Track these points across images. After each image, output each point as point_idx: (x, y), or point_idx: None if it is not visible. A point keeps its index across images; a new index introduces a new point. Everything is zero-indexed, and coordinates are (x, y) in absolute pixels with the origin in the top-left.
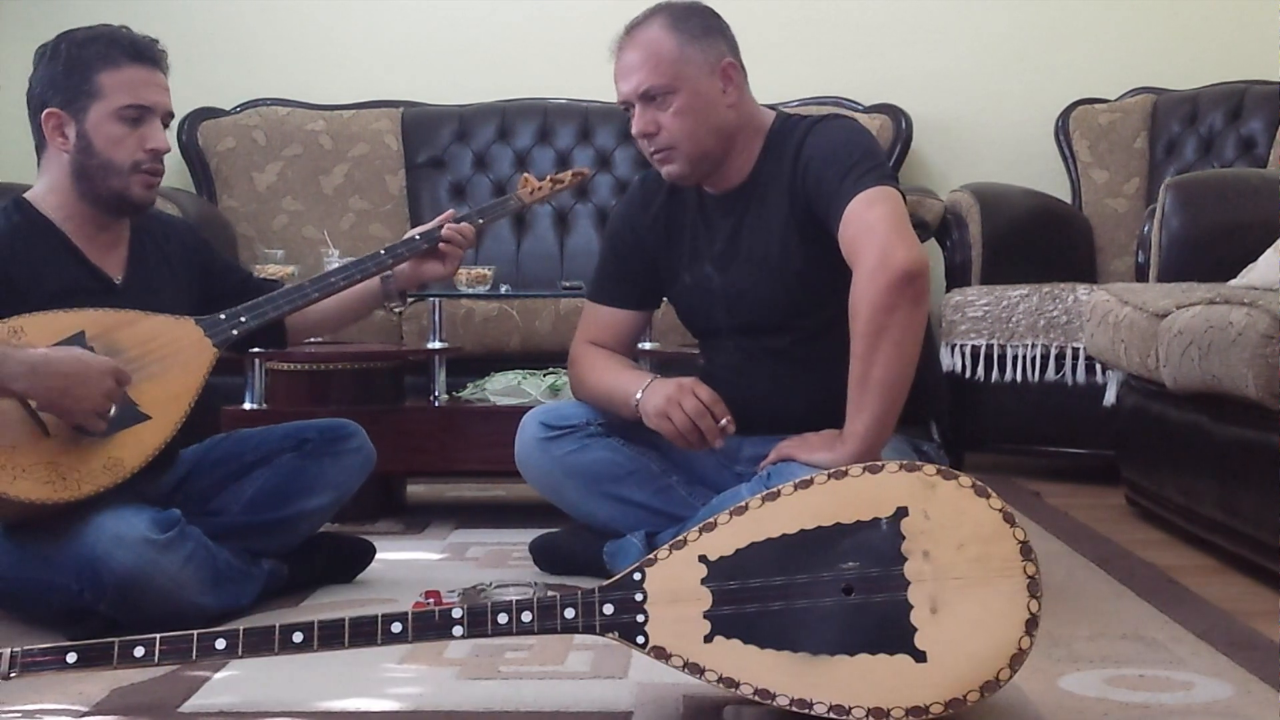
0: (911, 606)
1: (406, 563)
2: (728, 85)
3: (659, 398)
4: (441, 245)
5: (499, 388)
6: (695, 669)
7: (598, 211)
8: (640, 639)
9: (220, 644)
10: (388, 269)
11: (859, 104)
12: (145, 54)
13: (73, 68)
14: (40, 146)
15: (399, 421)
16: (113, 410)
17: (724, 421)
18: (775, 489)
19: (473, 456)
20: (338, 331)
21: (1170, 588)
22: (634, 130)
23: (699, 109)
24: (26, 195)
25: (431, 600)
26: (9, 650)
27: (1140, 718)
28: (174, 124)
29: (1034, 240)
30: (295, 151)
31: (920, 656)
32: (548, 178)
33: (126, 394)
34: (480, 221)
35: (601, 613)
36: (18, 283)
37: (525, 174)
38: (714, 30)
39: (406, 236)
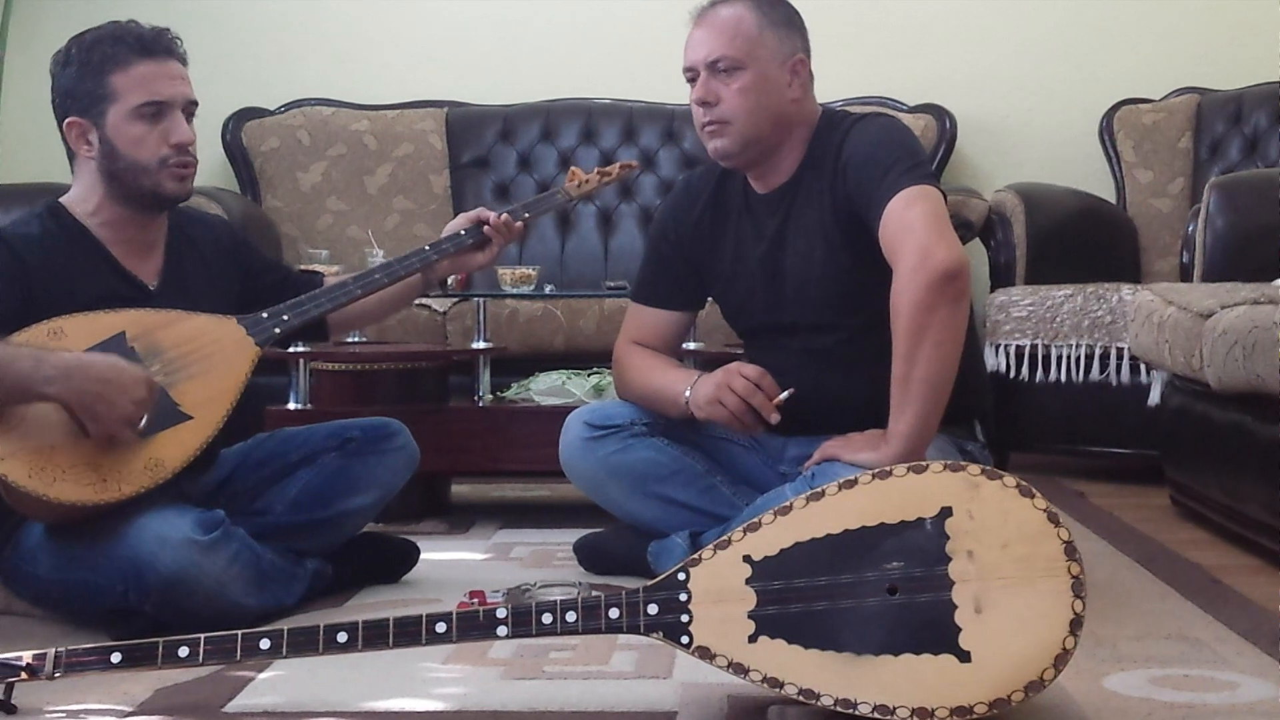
0: (956, 606)
1: (451, 563)
2: (794, 79)
3: (708, 386)
4: (486, 230)
5: (543, 388)
6: (740, 669)
7: (642, 211)
8: (685, 639)
9: (265, 644)
10: (431, 265)
11: (903, 104)
12: (154, 47)
13: (84, 73)
14: (71, 155)
15: (443, 421)
16: (144, 421)
17: (783, 396)
18: (819, 489)
19: (517, 456)
20: (379, 323)
21: (1215, 588)
22: (693, 97)
23: (762, 91)
24: (62, 200)
25: (476, 600)
26: (53, 650)
27: (1185, 718)
28: (218, 124)
29: (1078, 240)
30: (339, 151)
31: (965, 656)
32: (595, 170)
33: (168, 394)
34: (527, 216)
35: (646, 613)
36: (51, 289)
37: (573, 167)
38: (795, 26)
39: (449, 232)
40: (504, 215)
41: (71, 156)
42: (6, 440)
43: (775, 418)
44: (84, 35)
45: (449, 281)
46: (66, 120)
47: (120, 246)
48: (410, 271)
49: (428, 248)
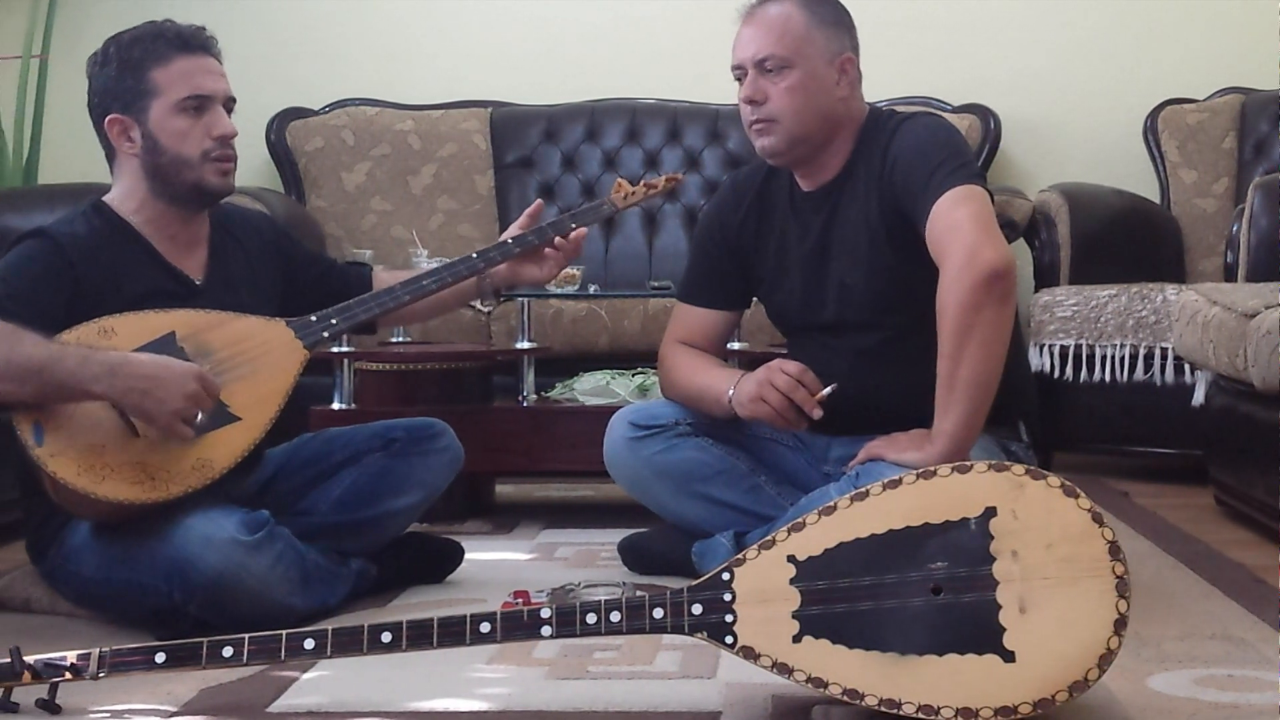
0: (1000, 606)
1: (495, 563)
2: (842, 78)
3: (750, 384)
4: (548, 250)
5: (587, 388)
6: (784, 669)
7: (686, 211)
8: (729, 639)
9: (309, 644)
10: (479, 273)
11: (948, 104)
12: (193, 43)
13: (125, 70)
14: (110, 155)
15: (487, 421)
16: (200, 416)
17: (826, 391)
18: (864, 489)
19: (561, 456)
20: (427, 321)
21: (1259, 588)
22: (741, 95)
23: (810, 90)
24: (105, 199)
25: (520, 600)
26: (98, 650)
27: (1229, 718)
28: (262, 124)
29: (1122, 240)
30: (384, 151)
31: (1009, 656)
32: (641, 182)
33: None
34: (573, 226)
35: (690, 613)
36: (99, 289)
37: (619, 179)
38: (843, 25)
39: (501, 239)
40: (573, 235)
41: (110, 157)
42: (56, 438)
43: (817, 413)
44: (121, 35)
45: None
46: (108, 118)
47: (165, 243)
48: (457, 278)
49: (475, 255)
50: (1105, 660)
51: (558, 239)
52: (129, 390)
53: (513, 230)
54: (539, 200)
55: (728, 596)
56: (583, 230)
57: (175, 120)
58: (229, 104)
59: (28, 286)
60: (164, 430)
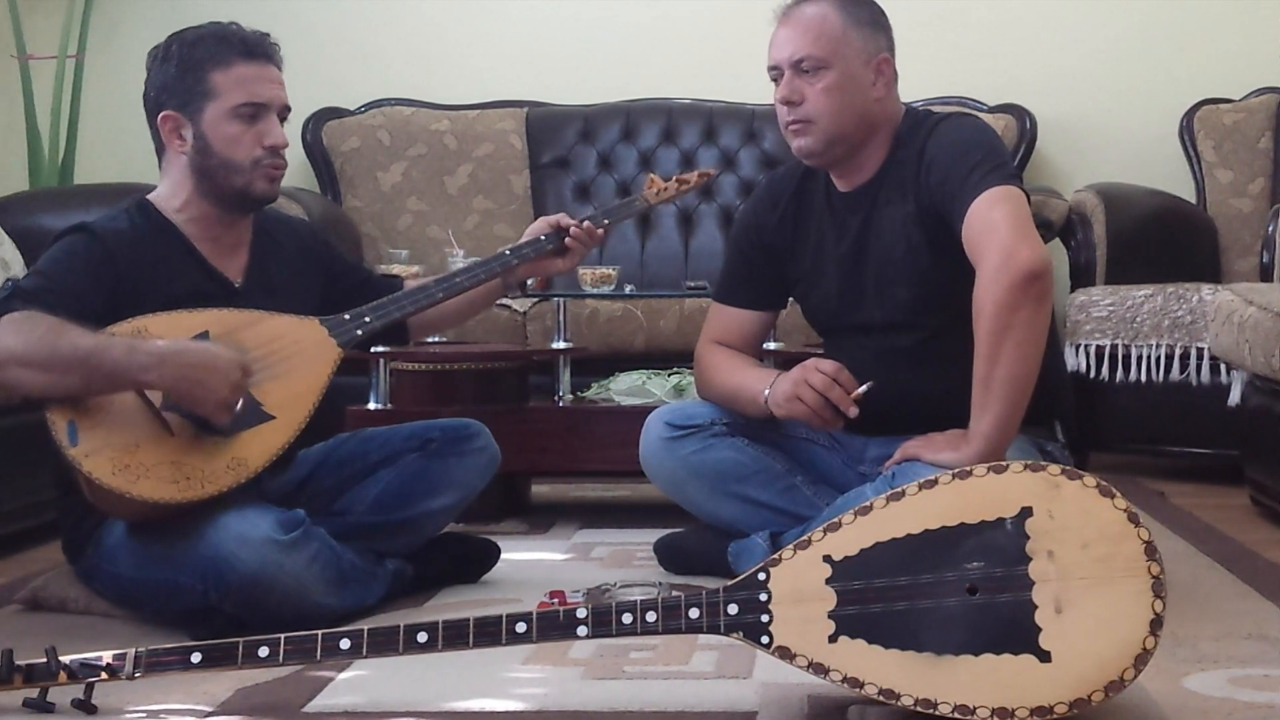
0: (1036, 606)
1: (531, 563)
2: (878, 78)
3: (785, 384)
4: (568, 241)
5: (623, 388)
6: (820, 669)
7: (722, 211)
8: (765, 639)
9: (345, 644)
10: (512, 269)
11: (984, 104)
12: (256, 50)
13: (185, 69)
14: (160, 150)
15: (523, 421)
16: (239, 404)
17: (861, 390)
18: (900, 489)
19: (597, 456)
20: (459, 325)
21: None
22: (778, 96)
23: (847, 91)
24: (149, 197)
25: (556, 600)
26: (134, 650)
27: (1265, 718)
28: (298, 124)
29: (1158, 240)
30: (420, 151)
31: (1045, 656)
32: (674, 178)
33: (251, 393)
34: (606, 222)
35: (726, 613)
36: (139, 286)
37: (651, 175)
38: (880, 25)
39: (530, 236)
40: (585, 223)
41: (160, 151)
42: (90, 437)
43: (853, 411)
44: (185, 32)
45: (528, 283)
46: (161, 114)
47: (207, 244)
48: (491, 275)
49: (508, 251)
50: (1141, 660)
51: (573, 229)
52: (179, 379)
53: (540, 227)
54: (564, 211)
55: (764, 596)
56: (589, 224)
57: (228, 125)
58: (284, 113)
59: (69, 281)
60: (208, 416)
